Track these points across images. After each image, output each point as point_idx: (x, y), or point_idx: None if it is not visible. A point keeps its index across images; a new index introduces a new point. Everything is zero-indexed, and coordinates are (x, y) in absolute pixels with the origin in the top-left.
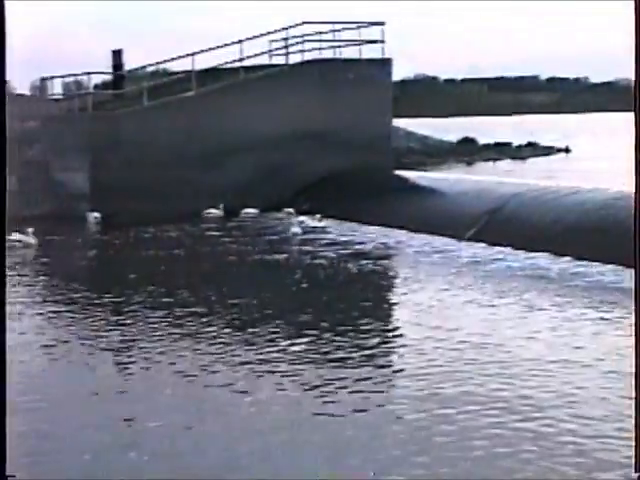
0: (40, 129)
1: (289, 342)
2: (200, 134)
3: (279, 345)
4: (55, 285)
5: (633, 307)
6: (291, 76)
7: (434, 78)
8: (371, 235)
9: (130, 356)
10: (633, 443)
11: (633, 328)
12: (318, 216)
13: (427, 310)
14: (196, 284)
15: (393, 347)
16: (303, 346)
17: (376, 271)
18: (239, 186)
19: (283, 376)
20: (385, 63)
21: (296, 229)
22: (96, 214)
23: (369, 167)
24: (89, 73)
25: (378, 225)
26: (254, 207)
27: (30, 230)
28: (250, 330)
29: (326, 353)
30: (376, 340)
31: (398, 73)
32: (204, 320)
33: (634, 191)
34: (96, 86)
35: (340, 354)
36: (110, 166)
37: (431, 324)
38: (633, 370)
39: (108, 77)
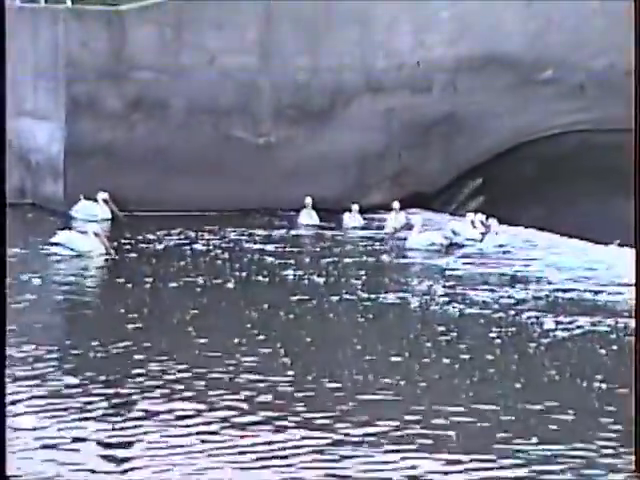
0: None
1: None
2: (283, 59)
3: None
4: None
5: (633, 306)
6: None
7: None
8: (594, 263)
9: None
10: (633, 443)
11: (633, 327)
12: (493, 222)
13: None
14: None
15: None
16: None
17: (609, 339)
18: (353, 161)
19: None
20: None
21: (439, 243)
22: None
23: (603, 129)
24: None
25: (611, 243)
26: (371, 202)
27: (97, 229)
28: None
29: None
30: None
31: None
32: None
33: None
34: None
35: None
36: (106, 113)
37: None
38: (633, 369)
39: None
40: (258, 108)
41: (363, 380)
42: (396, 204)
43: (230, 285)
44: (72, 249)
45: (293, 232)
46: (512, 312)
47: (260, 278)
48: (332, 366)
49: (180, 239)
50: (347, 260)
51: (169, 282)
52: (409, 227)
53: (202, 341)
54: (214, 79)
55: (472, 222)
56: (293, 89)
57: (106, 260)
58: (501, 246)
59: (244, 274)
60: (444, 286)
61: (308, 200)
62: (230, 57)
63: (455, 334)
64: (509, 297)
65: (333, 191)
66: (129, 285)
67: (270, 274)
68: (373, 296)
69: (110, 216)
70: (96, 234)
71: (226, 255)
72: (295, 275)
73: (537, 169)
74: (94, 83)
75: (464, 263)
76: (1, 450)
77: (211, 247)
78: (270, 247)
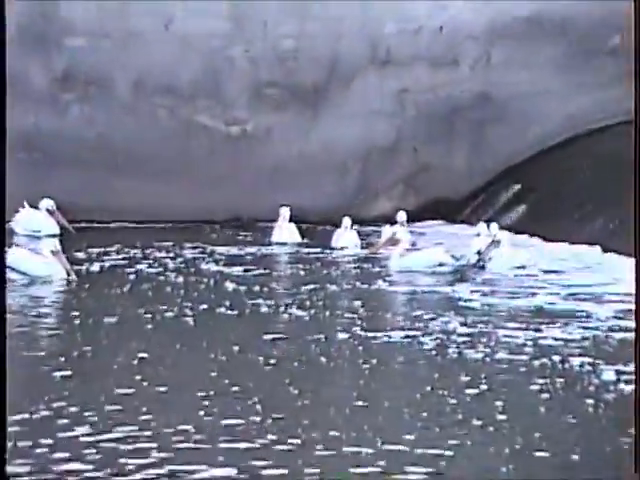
0: None
1: None
2: (262, 23)
3: None
4: None
5: (634, 306)
6: None
7: None
8: None
9: None
10: (633, 443)
11: (634, 327)
12: (502, 235)
13: None
14: None
15: None
16: None
17: None
18: (354, 158)
19: None
20: None
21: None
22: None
23: None
24: None
25: None
26: (378, 213)
27: (55, 246)
28: None
29: None
30: None
31: None
32: None
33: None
34: None
35: None
36: (29, 92)
37: None
38: (633, 369)
39: None
40: (230, 87)
41: (366, 447)
42: (401, 215)
43: (188, 320)
44: (23, 273)
45: (265, 251)
46: (556, 357)
47: (225, 311)
48: (326, 431)
49: (121, 258)
50: (334, 288)
51: (105, 316)
52: (393, 243)
53: (154, 395)
54: (171, 49)
55: (479, 234)
56: (276, 62)
57: (67, 285)
58: (520, 267)
59: (204, 306)
60: (463, 324)
61: (284, 211)
62: (193, 21)
63: (485, 386)
64: (550, 337)
65: (327, 198)
66: (50, 320)
67: (238, 306)
68: (372, 335)
69: (58, 230)
70: (54, 252)
71: (180, 280)
72: (269, 307)
73: (594, 169)
74: (14, 53)
75: (480, 292)
76: (1, 450)
77: (161, 269)
78: (236, 270)
